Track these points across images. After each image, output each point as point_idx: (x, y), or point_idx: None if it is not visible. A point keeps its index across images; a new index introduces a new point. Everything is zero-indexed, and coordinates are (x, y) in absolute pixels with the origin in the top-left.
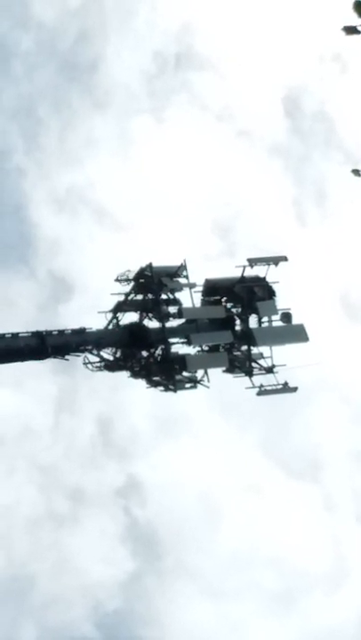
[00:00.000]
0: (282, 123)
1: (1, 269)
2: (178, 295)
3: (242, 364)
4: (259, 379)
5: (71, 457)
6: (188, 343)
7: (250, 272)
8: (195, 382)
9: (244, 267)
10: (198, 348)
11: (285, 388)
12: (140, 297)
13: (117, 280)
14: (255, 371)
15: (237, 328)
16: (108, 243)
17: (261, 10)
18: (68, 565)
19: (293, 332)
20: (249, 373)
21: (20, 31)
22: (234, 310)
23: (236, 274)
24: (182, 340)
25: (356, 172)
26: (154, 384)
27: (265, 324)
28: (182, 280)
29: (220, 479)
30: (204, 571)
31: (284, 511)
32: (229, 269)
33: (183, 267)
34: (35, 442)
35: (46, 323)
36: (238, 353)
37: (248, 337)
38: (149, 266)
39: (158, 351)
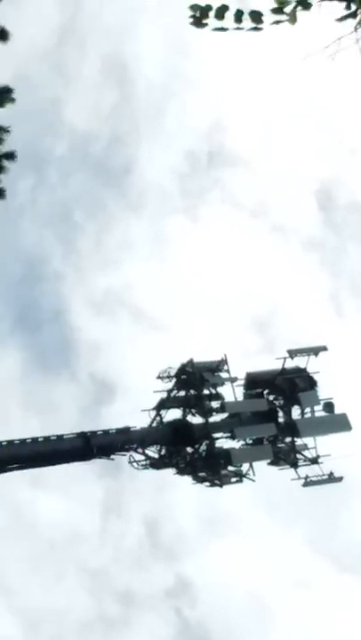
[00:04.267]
0: (316, 216)
1: (44, 374)
2: (220, 390)
3: (286, 456)
4: (304, 470)
5: (120, 559)
6: (232, 437)
7: (290, 364)
8: (240, 476)
9: (285, 358)
10: (242, 442)
11: (331, 479)
12: (182, 393)
13: (159, 377)
14: (300, 462)
15: (280, 420)
16: (147, 343)
17: (292, 104)
18: None
19: (336, 422)
20: (294, 465)
21: (54, 137)
22: (276, 402)
23: (277, 366)
24: (226, 435)
25: None
26: (200, 480)
27: (308, 415)
28: (224, 374)
29: (269, 576)
30: None
31: (336, 606)
32: (269, 363)
33: (224, 361)
34: (83, 545)
35: (90, 425)
36: (282, 445)
37: (291, 428)
38: (190, 362)
39: (203, 447)
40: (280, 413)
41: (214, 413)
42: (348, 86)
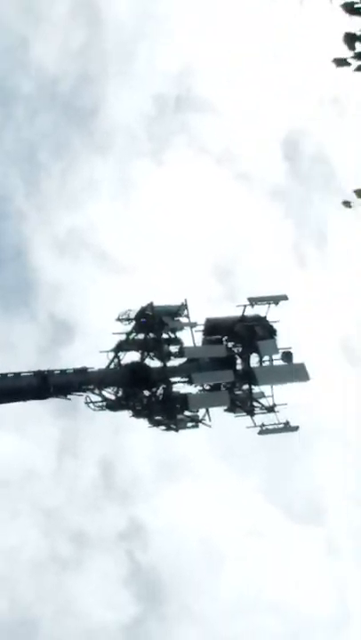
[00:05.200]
0: (281, 165)
1: (2, 313)
2: (179, 334)
3: (243, 404)
4: (260, 418)
5: (74, 500)
6: (190, 382)
7: (251, 311)
8: (196, 422)
9: (245, 306)
10: (200, 388)
11: (287, 427)
12: (141, 336)
13: (119, 319)
14: (256, 410)
15: (238, 367)
16: (109, 285)
17: (262, 52)
18: (72, 609)
19: (294, 372)
20: (250, 412)
21: (21, 76)
22: (235, 349)
23: (237, 313)
24: (184, 380)
25: (346, 203)
26: (156, 423)
27: (266, 364)
28: (183, 319)
29: (222, 522)
30: (208, 615)
31: (286, 555)
32: (230, 311)
33: (184, 306)
34: (38, 485)
35: (48, 364)
36: (240, 392)
37: (249, 376)
38: (150, 305)
39: (160, 390)
40: (238, 361)
41: (172, 358)
42: (317, 34)
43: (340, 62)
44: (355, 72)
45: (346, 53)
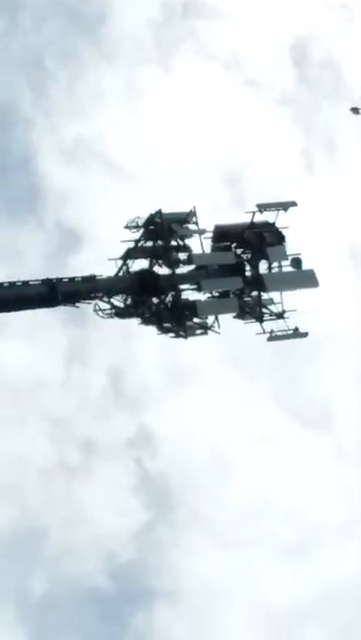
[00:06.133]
0: (290, 71)
1: (10, 221)
2: (188, 242)
3: (252, 310)
4: (269, 325)
5: (83, 408)
6: (199, 289)
7: (259, 218)
8: (205, 328)
9: (254, 212)
10: (209, 295)
11: (296, 334)
12: (149, 244)
13: (127, 227)
14: (266, 316)
15: (247, 274)
16: (117, 194)
17: None
18: (81, 517)
19: (303, 278)
20: (259, 319)
21: None
22: (244, 256)
23: (246, 220)
24: (192, 287)
25: (355, 109)
26: (164, 331)
27: (275, 270)
28: (192, 226)
29: (231, 429)
30: (217, 522)
31: (296, 461)
32: (239, 217)
33: (193, 213)
34: (46, 393)
35: (56, 273)
36: (249, 299)
37: (258, 282)
38: (159, 212)
39: (169, 297)
40: (247, 267)
41: (181, 265)
42: None
43: None
44: None
45: None
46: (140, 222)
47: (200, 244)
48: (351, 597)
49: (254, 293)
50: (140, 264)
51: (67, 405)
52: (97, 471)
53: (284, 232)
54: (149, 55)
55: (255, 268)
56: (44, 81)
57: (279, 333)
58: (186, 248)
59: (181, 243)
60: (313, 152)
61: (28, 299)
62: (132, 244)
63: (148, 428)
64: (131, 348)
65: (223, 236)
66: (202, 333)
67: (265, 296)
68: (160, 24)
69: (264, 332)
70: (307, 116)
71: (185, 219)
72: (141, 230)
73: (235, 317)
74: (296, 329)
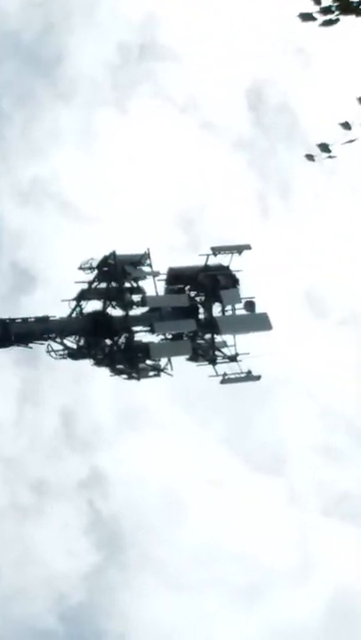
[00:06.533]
0: (246, 115)
1: None
2: (141, 284)
3: (205, 353)
4: (222, 367)
5: (35, 449)
6: (152, 331)
7: (214, 261)
8: (158, 370)
9: (208, 255)
10: (162, 337)
11: (249, 377)
12: (103, 285)
13: (81, 268)
14: (218, 359)
15: (201, 317)
16: (72, 235)
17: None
18: (32, 557)
19: (257, 321)
20: (212, 362)
21: None
22: (197, 299)
23: (200, 263)
24: (146, 329)
25: (310, 156)
26: (117, 372)
27: (228, 313)
28: (146, 269)
29: (183, 472)
30: (168, 564)
31: (248, 505)
32: (193, 260)
33: (147, 255)
34: None
35: (9, 313)
36: (202, 341)
37: (211, 325)
38: (113, 254)
39: (122, 339)
40: (201, 310)
41: (135, 307)
42: None
43: (306, 17)
44: (320, 27)
45: (312, 8)
46: (94, 264)
47: (154, 287)
48: None
49: (208, 336)
50: (93, 305)
51: (18, 446)
52: (48, 512)
53: (237, 275)
54: (106, 96)
55: (209, 310)
56: (0, 121)
57: (232, 376)
58: (139, 290)
59: (135, 285)
60: (268, 196)
61: None
62: (85, 286)
63: (101, 469)
64: (83, 390)
65: (177, 278)
66: (155, 375)
67: (218, 339)
68: (117, 66)
69: (217, 375)
70: (263, 159)
71: (139, 261)
72: (95, 272)
73: (188, 360)
74: (249, 372)
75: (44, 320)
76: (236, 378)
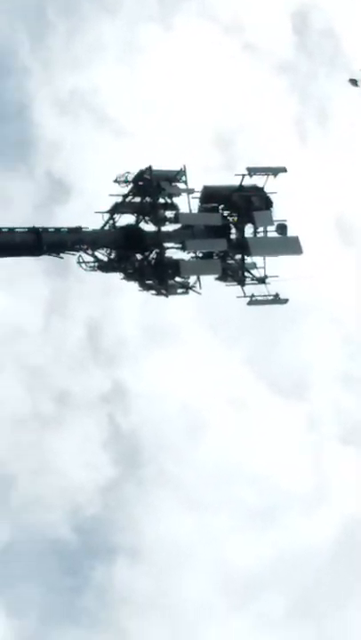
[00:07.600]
0: (290, 38)
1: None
2: (176, 200)
3: (234, 273)
4: (250, 289)
5: (59, 359)
6: (183, 249)
7: (249, 182)
8: (187, 288)
9: (243, 175)
10: (192, 255)
11: (276, 300)
12: (137, 200)
13: (116, 181)
14: (247, 280)
15: (233, 237)
16: (108, 148)
17: None
18: (50, 467)
19: (288, 244)
20: (241, 282)
21: None
22: (230, 219)
23: (235, 183)
24: (177, 246)
25: (353, 81)
26: (146, 287)
27: (260, 235)
28: (181, 185)
29: (205, 391)
30: (185, 482)
31: (267, 428)
32: (228, 180)
33: (183, 172)
34: (24, 342)
35: (42, 222)
36: (232, 262)
37: (242, 246)
38: (149, 169)
39: (153, 255)
40: (233, 230)
41: (167, 223)
42: None
43: None
44: None
45: None
46: (130, 177)
47: (188, 204)
48: (313, 564)
49: (238, 256)
50: (126, 219)
51: (44, 355)
52: (69, 423)
53: (271, 197)
54: (151, 12)
55: (241, 231)
56: (44, 30)
57: (260, 298)
58: (173, 206)
59: (169, 201)
60: (307, 121)
61: (13, 246)
62: (119, 199)
63: (123, 383)
64: (111, 303)
65: (211, 197)
66: (183, 293)
67: (248, 260)
68: None
69: (245, 296)
70: (304, 84)
71: (174, 177)
72: (130, 185)
73: (217, 279)
74: (277, 295)
75: (76, 231)
76: (263, 300)
